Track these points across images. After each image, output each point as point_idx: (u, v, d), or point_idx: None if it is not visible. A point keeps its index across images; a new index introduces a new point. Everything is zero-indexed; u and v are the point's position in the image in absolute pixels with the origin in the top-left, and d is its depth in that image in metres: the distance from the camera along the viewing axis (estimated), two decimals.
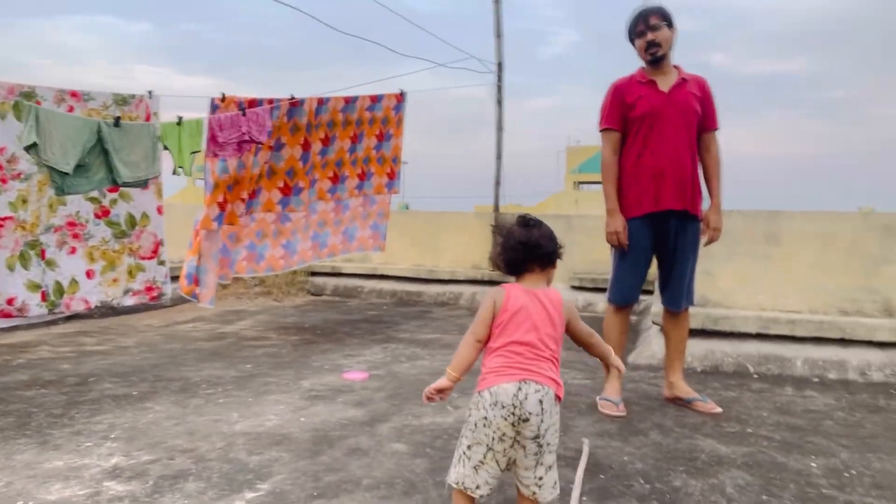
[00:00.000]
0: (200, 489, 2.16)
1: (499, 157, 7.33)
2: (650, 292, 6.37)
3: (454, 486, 1.78)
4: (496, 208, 7.43)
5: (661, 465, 2.45)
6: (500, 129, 7.31)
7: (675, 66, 3.23)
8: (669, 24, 3.14)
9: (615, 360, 2.03)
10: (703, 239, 3.26)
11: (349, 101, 4.73)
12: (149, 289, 3.51)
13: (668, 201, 3.13)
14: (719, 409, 3.15)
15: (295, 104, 4.26)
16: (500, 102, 7.26)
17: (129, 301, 3.40)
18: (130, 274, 3.41)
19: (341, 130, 4.79)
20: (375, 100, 4.91)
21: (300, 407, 3.13)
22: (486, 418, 1.72)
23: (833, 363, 3.94)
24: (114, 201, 3.31)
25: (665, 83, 3.18)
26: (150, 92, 3.46)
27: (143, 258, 3.48)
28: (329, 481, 2.24)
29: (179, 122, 3.52)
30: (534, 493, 1.76)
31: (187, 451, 2.50)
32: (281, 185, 4.68)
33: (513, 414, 1.69)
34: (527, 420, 1.69)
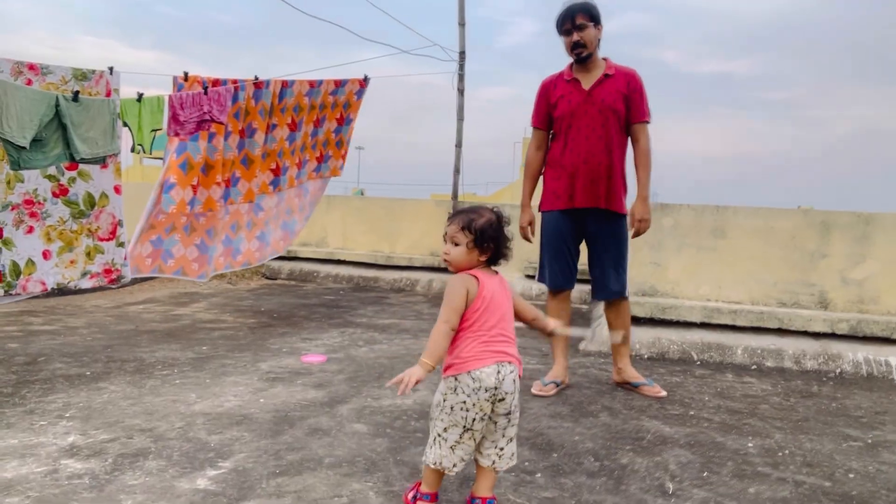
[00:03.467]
0: (161, 467, 2.17)
1: (458, 145, 7.39)
2: None
3: (432, 466, 1.85)
4: (455, 196, 7.49)
5: (610, 445, 2.57)
6: (460, 118, 7.36)
7: (605, 59, 3.29)
8: (596, 23, 3.19)
9: (552, 323, 2.09)
10: (632, 231, 3.33)
11: (314, 86, 4.70)
12: (107, 271, 3.44)
13: (580, 200, 3.24)
14: (664, 393, 3.30)
15: (260, 86, 4.22)
16: (461, 91, 7.30)
17: (87, 284, 3.33)
18: (89, 256, 3.33)
19: (307, 115, 4.77)
20: (339, 84, 4.90)
21: (259, 388, 3.14)
22: (464, 402, 1.78)
23: (771, 352, 4.16)
24: (72, 179, 3.22)
25: (588, 81, 3.24)
26: (110, 68, 3.38)
27: (102, 239, 3.40)
28: (291, 460, 2.28)
29: (140, 99, 3.45)
30: (493, 462, 1.87)
31: (146, 431, 2.50)
32: (273, 166, 4.66)
33: (494, 395, 1.79)
34: (503, 399, 1.81)
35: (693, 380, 3.69)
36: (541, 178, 3.47)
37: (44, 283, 3.16)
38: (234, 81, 4.12)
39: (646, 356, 4.22)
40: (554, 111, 3.30)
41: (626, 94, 3.22)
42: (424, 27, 8.05)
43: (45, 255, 3.15)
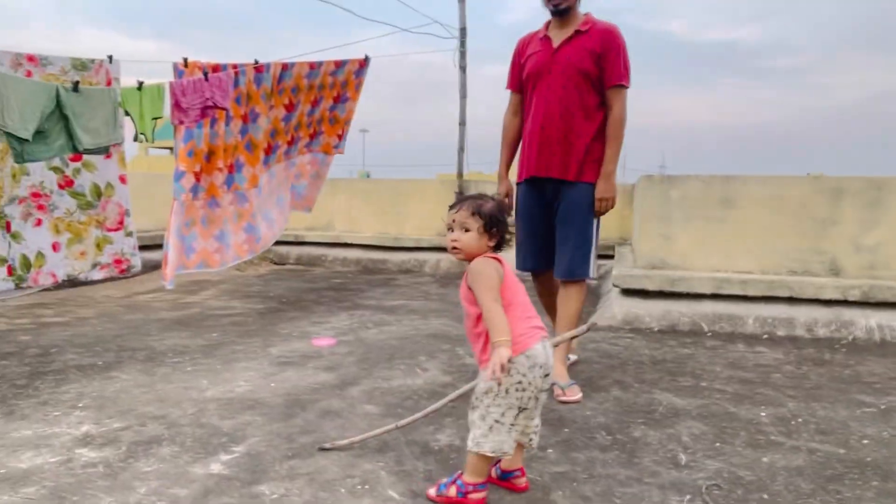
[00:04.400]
0: (175, 453, 2.19)
1: (462, 123, 7.33)
2: (611, 257, 6.55)
3: (490, 454, 1.79)
4: (460, 175, 7.45)
5: (622, 419, 2.57)
6: (463, 95, 7.30)
7: (586, 15, 2.99)
8: None
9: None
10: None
11: (314, 67, 4.65)
12: (117, 261, 3.45)
13: (535, 168, 2.99)
14: (577, 397, 2.79)
15: (260, 70, 4.18)
16: (463, 69, 7.23)
17: (98, 275, 3.34)
18: (98, 247, 3.34)
19: (305, 95, 4.72)
20: (339, 65, 4.84)
21: (270, 373, 3.15)
22: (520, 382, 1.77)
23: (782, 321, 4.13)
24: (77, 171, 3.22)
25: (559, 38, 2.95)
26: (109, 56, 3.36)
27: (110, 230, 3.41)
28: (303, 442, 2.29)
29: (140, 87, 3.42)
30: (531, 439, 1.88)
31: (158, 418, 2.52)
32: (265, 146, 4.59)
33: (545, 371, 1.81)
34: (548, 374, 1.83)
35: (704, 351, 3.68)
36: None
37: (54, 275, 3.18)
38: (235, 66, 4.09)
39: (656, 329, 4.20)
40: (523, 72, 3.06)
41: (599, 54, 2.88)
42: (424, 6, 7.95)
43: (55, 247, 3.16)
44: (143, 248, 4.29)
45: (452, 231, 1.89)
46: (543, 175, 2.99)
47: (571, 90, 2.92)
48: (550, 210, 3.07)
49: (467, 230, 1.87)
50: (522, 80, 3.08)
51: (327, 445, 2.23)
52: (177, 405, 2.67)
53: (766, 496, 1.92)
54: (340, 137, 5.26)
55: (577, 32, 2.93)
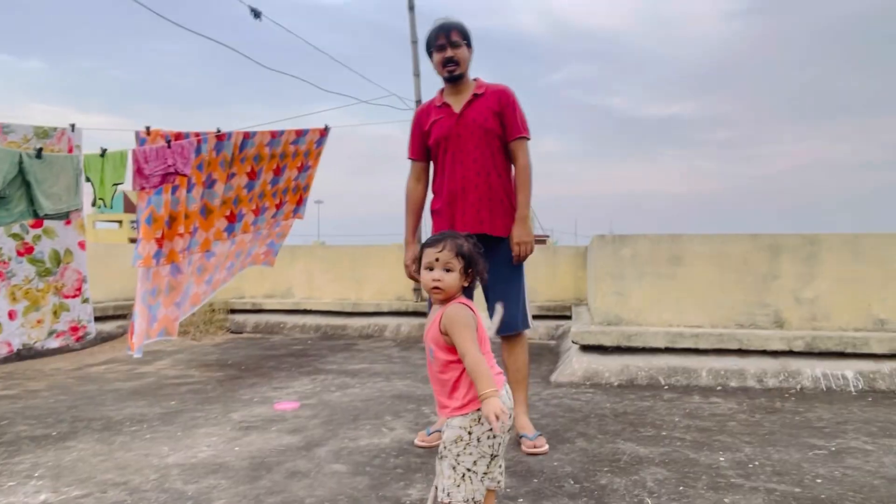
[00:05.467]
0: None
1: None
2: (568, 317, 6.69)
3: (464, 503, 1.77)
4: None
5: (588, 468, 2.62)
6: None
7: (476, 80, 3.12)
8: (469, 44, 3.07)
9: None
10: (514, 256, 3.04)
11: (275, 136, 4.79)
12: (74, 329, 3.38)
13: (462, 224, 3.00)
14: (544, 448, 2.86)
15: (222, 138, 4.28)
16: None
17: (54, 343, 3.26)
18: (55, 314, 3.28)
19: (267, 164, 4.83)
20: (300, 133, 5.00)
21: (233, 438, 3.10)
22: (490, 430, 1.75)
23: (733, 372, 4.29)
24: (37, 237, 3.19)
25: (459, 103, 3.06)
26: (72, 125, 3.40)
27: (67, 297, 3.35)
28: (272, 502, 2.26)
29: (103, 154, 3.47)
30: (499, 482, 1.88)
31: (119, 485, 2.44)
32: (228, 213, 4.66)
33: (510, 414, 1.80)
34: (511, 417, 1.82)
35: (662, 403, 3.78)
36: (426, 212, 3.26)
37: (10, 345, 3.10)
38: (197, 134, 4.18)
39: (615, 384, 4.30)
40: (428, 139, 3.12)
41: (497, 112, 3.04)
42: (382, 80, 8.27)
43: (11, 315, 3.10)
44: (95, 319, 4.21)
45: (432, 270, 1.85)
46: (476, 231, 2.96)
47: (484, 149, 3.03)
48: None
49: (449, 270, 1.84)
50: (429, 147, 3.13)
51: None
52: (138, 472, 2.60)
53: None
54: (300, 203, 5.37)
55: (475, 96, 3.06)
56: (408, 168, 3.28)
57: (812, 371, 4.22)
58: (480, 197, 3.02)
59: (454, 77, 3.05)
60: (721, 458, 2.74)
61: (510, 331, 3.02)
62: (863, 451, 2.84)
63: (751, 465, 2.65)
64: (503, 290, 2.98)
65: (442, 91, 3.16)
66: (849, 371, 4.18)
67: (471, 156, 3.03)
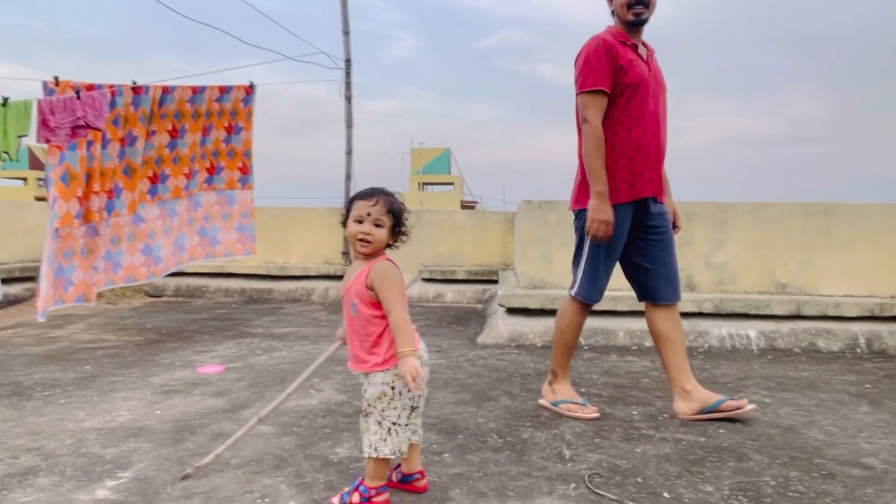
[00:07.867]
0: (54, 482, 2.06)
1: (349, 152, 7.41)
2: (496, 282, 6.82)
3: (391, 456, 1.83)
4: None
5: (511, 423, 2.72)
6: (349, 125, 7.39)
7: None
8: None
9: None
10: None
11: (197, 91, 4.58)
12: None
13: (652, 188, 2.81)
14: (751, 406, 2.75)
15: (139, 91, 4.06)
16: (349, 99, 7.34)
17: None
18: None
19: (191, 122, 4.62)
20: (224, 90, 4.79)
21: (154, 401, 3.03)
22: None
23: (647, 333, 4.50)
24: None
25: (642, 51, 2.82)
26: None
27: None
28: (196, 464, 2.23)
29: (4, 104, 3.23)
30: (418, 434, 1.95)
31: (32, 450, 2.35)
32: (150, 174, 4.44)
33: (428, 367, 1.89)
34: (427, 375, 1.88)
35: (583, 362, 3.95)
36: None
37: None
38: (111, 87, 3.95)
39: (539, 345, 4.45)
40: (624, 76, 2.71)
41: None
42: (310, 37, 8.02)
43: None
44: (1, 281, 3.97)
45: (362, 223, 1.84)
46: (659, 193, 2.82)
47: (664, 107, 2.85)
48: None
49: (379, 226, 1.84)
50: (620, 85, 2.72)
51: (190, 471, 2.11)
52: (52, 437, 2.50)
53: (640, 480, 2.13)
54: (244, 171, 5.18)
55: (652, 52, 2.88)
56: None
57: (719, 331, 4.50)
58: (662, 157, 2.85)
59: (641, 21, 2.77)
60: (634, 412, 2.91)
61: (673, 299, 2.95)
62: (761, 403, 3.07)
63: (661, 418, 2.82)
64: (669, 257, 2.92)
65: (620, 30, 2.80)
66: (752, 331, 4.49)
67: (659, 108, 2.81)
